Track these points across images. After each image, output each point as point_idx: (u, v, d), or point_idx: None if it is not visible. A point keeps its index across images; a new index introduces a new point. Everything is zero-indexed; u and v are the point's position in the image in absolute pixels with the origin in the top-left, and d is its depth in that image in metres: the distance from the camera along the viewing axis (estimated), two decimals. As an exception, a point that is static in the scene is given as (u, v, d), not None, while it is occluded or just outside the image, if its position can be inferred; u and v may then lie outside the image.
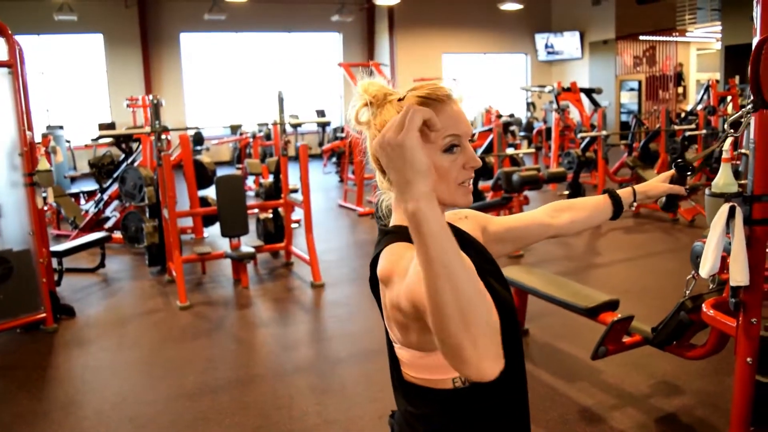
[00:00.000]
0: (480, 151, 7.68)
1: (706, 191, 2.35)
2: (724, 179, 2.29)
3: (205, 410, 3.29)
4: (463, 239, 1.24)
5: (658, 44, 16.14)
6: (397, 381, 1.24)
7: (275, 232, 6.33)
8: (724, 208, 2.15)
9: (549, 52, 17.49)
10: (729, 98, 11.61)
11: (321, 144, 14.45)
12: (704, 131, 9.03)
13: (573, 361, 3.86)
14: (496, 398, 1.20)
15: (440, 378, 1.15)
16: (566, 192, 8.46)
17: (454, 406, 1.17)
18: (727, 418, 3.03)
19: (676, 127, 8.93)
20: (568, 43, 16.99)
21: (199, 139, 12.25)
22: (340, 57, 16.35)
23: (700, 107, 11.40)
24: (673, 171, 1.61)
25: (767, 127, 2.12)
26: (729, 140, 2.45)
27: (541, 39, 17.50)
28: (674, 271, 5.59)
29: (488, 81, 17.19)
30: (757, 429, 2.43)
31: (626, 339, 3.26)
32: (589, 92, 10.72)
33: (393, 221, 1.22)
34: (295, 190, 6.39)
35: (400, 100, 1.18)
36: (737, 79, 11.86)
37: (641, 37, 15.77)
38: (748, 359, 2.28)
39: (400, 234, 1.14)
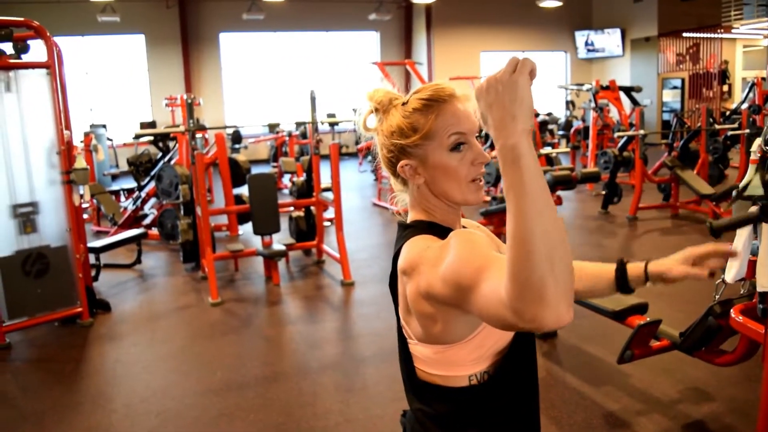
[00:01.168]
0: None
1: (733, 193, 2.29)
2: (752, 180, 2.23)
3: (230, 406, 3.35)
4: None
5: (702, 41, 15.69)
6: (408, 380, 1.25)
7: (307, 230, 6.38)
8: (753, 211, 2.09)
9: (589, 50, 17.19)
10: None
11: (357, 142, 14.51)
12: (747, 131, 8.77)
13: (600, 364, 3.80)
14: (510, 395, 1.21)
15: (456, 375, 1.16)
16: (603, 192, 8.30)
17: (469, 404, 1.18)
18: (756, 426, 2.95)
19: (718, 127, 8.68)
20: (609, 40, 16.67)
21: (237, 137, 12.44)
22: (378, 56, 16.37)
23: (744, 106, 11.07)
24: (695, 251, 1.33)
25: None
26: (758, 142, 2.38)
27: (581, 36, 17.21)
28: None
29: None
30: (785, 440, 2.35)
31: (654, 343, 3.20)
32: (628, 90, 10.51)
33: (411, 217, 1.24)
34: (327, 189, 6.42)
35: (404, 104, 1.20)
36: (785, 76, 11.48)
37: (684, 34, 15.35)
38: (776, 367, 2.21)
39: (420, 227, 1.18)
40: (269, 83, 16.25)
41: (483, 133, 1.11)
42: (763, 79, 11.79)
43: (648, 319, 3.15)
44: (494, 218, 6.89)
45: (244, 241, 6.92)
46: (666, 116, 16.20)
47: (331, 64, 16.63)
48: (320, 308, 5.04)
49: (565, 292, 0.81)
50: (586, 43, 17.18)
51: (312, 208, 6.31)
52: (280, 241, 5.87)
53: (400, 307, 1.20)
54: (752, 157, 2.24)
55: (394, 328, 4.34)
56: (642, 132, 7.94)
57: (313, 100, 5.83)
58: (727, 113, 12.53)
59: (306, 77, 16.14)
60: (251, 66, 16.22)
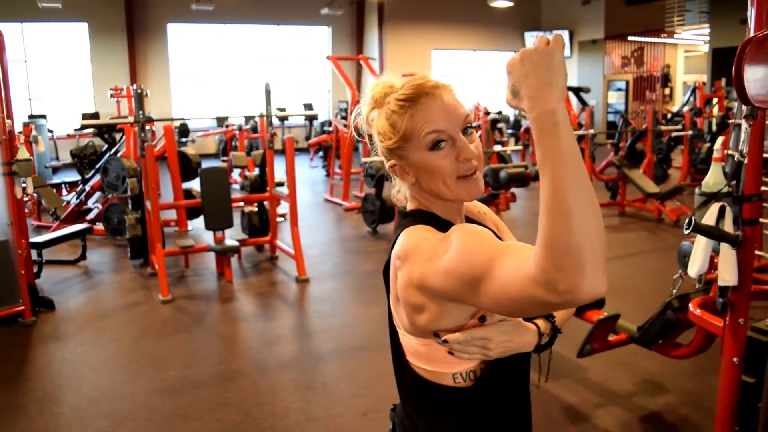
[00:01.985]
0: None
1: (696, 191, 2.33)
2: (714, 179, 2.27)
3: (185, 406, 3.23)
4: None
5: (646, 45, 16.19)
6: (398, 372, 1.22)
7: (260, 225, 6.26)
8: (714, 208, 2.13)
9: (538, 51, 17.49)
10: (715, 100, 11.69)
11: (308, 138, 14.37)
12: (690, 132, 9.07)
13: (558, 359, 3.83)
14: (498, 397, 1.17)
15: (441, 371, 1.13)
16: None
17: (455, 403, 1.14)
18: (712, 418, 3.02)
19: (663, 128, 8.95)
20: (557, 41, 17.00)
21: (184, 130, 12.12)
22: (329, 51, 16.25)
23: (686, 108, 11.46)
24: None
25: (759, 130, 2.09)
26: (720, 140, 2.43)
27: (530, 37, 17.49)
28: (660, 270, 5.59)
29: (477, 78, 17.17)
30: (741, 429, 2.41)
31: (612, 337, 3.24)
32: (577, 91, 10.72)
33: (412, 206, 1.20)
34: (280, 184, 6.32)
35: (389, 103, 1.15)
36: (723, 81, 11.94)
37: (630, 38, 15.81)
38: (735, 359, 2.26)
39: (420, 217, 1.15)
40: (218, 77, 15.92)
41: (475, 124, 1.07)
42: (704, 83, 12.25)
43: (606, 314, 3.19)
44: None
45: (193, 236, 6.73)
46: (611, 117, 16.65)
47: (282, 58, 16.42)
48: (275, 305, 4.94)
49: (602, 259, 0.80)
50: (535, 44, 17.48)
51: (265, 203, 6.19)
52: (232, 236, 5.73)
53: (391, 295, 1.16)
54: (715, 155, 2.28)
55: (350, 325, 4.34)
56: (592, 131, 8.10)
57: (267, 93, 5.71)
58: (669, 116, 12.98)
59: (256, 71, 15.88)
60: (200, 59, 15.86)
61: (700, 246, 2.15)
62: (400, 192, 1.24)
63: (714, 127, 10.36)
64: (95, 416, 3.15)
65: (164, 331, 4.33)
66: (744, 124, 1.98)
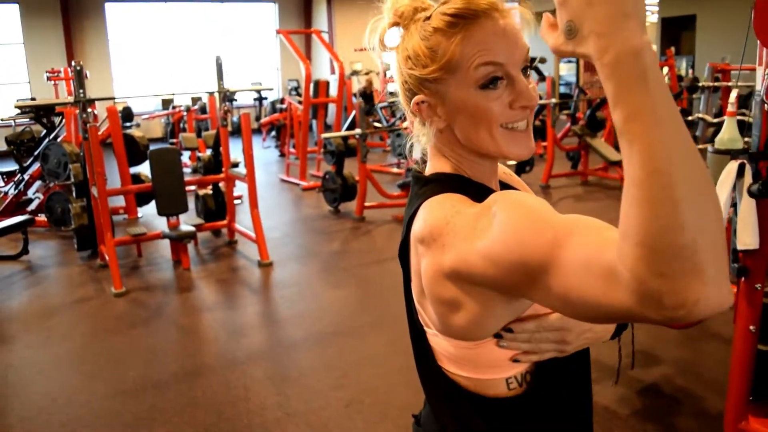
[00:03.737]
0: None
1: (709, 148, 2.15)
2: (729, 134, 2.09)
3: (149, 409, 2.94)
4: None
5: (595, 15, 16.23)
6: (427, 379, 0.96)
7: (216, 209, 5.92)
8: (732, 166, 1.95)
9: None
10: (666, 69, 11.76)
11: (258, 118, 13.90)
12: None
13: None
14: (557, 399, 0.93)
15: (490, 378, 0.88)
16: (515, 161, 8.30)
17: (510, 415, 0.90)
18: (709, 387, 2.91)
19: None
20: (507, 13, 16.87)
21: (128, 114, 11.55)
22: (276, 27, 15.72)
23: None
24: None
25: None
26: (734, 94, 2.26)
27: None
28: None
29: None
30: (755, 399, 2.28)
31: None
32: (532, 62, 10.61)
33: (432, 169, 0.94)
34: (236, 164, 5.98)
35: (426, 19, 0.87)
36: (673, 49, 12.02)
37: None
38: (751, 327, 2.11)
39: (444, 183, 0.88)
40: (162, 58, 15.24)
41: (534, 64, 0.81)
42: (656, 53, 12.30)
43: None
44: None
45: (144, 224, 6.34)
46: (563, 89, 16.63)
47: (228, 37, 15.81)
48: (238, 292, 4.65)
49: (725, 260, 0.56)
50: (487, 17, 17.31)
51: (221, 185, 5.85)
52: (186, 222, 5.39)
53: (413, 285, 0.90)
54: (729, 109, 2.10)
55: (320, 310, 4.05)
56: (554, 101, 7.98)
57: (219, 67, 5.35)
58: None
59: (201, 51, 15.25)
60: (142, 39, 15.13)
61: (749, 212, 1.92)
62: (415, 146, 0.97)
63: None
64: (48, 426, 2.82)
65: (120, 327, 4.00)
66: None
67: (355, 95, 10.92)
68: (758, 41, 1.86)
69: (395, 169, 9.33)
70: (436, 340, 0.90)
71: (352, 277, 4.83)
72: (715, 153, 2.06)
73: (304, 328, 3.84)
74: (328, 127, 10.68)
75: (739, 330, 2.16)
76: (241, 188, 6.41)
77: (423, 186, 0.91)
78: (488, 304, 0.79)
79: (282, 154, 11.11)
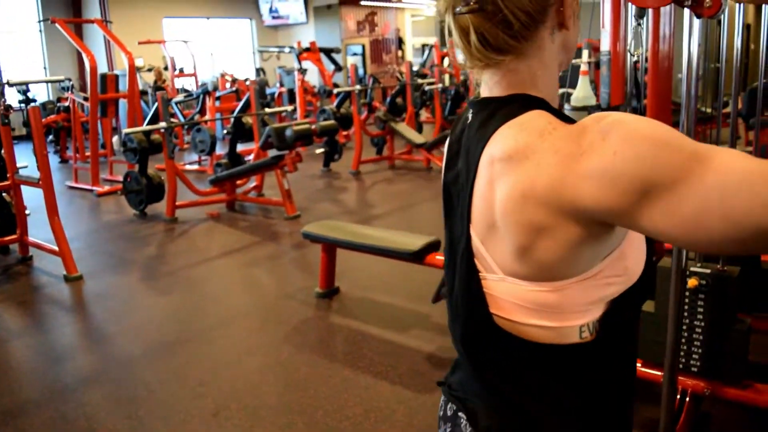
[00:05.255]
0: (235, 113, 7.10)
1: (566, 105, 2.26)
2: (583, 92, 2.21)
3: (-36, 462, 2.39)
4: None
5: (378, 9, 16.83)
6: (476, 336, 0.86)
7: (2, 222, 5.06)
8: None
9: (274, 17, 17.13)
10: (448, 58, 12.60)
11: (26, 123, 12.28)
12: (440, 85, 9.61)
13: (397, 311, 3.68)
14: (622, 347, 0.86)
15: (564, 326, 0.79)
16: (323, 150, 8.25)
17: (582, 365, 0.81)
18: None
19: (420, 81, 9.34)
20: (292, 7, 16.79)
21: None
22: (39, 16, 14.01)
23: (426, 67, 12.19)
24: None
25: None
26: (585, 53, 2.39)
27: (265, 3, 17.02)
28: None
29: (215, 46, 16.29)
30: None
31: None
32: (328, 52, 10.69)
33: (508, 90, 0.82)
34: (22, 168, 5.17)
35: None
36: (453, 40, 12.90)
37: (363, 2, 16.25)
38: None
39: (535, 102, 0.79)
40: None
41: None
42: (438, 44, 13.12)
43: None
44: (225, 184, 6.38)
45: None
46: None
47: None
48: (49, 312, 4.01)
49: None
50: (271, 10, 17.08)
51: (5, 193, 5.01)
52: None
53: (477, 220, 0.80)
54: (582, 68, 2.22)
55: (151, 319, 3.65)
56: (358, 88, 8.08)
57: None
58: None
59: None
60: None
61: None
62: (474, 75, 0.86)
63: (447, 82, 11.19)
64: None
65: None
66: (633, 23, 1.90)
67: (144, 92, 10.10)
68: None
69: (196, 167, 8.84)
70: (501, 286, 0.80)
71: (179, 280, 4.42)
72: (572, 110, 2.17)
73: (142, 341, 3.42)
74: (114, 129, 9.75)
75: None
76: (30, 196, 5.56)
77: (503, 106, 0.80)
78: (581, 235, 0.71)
79: (64, 160, 9.97)
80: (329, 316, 3.66)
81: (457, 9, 0.78)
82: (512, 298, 0.79)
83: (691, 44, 1.94)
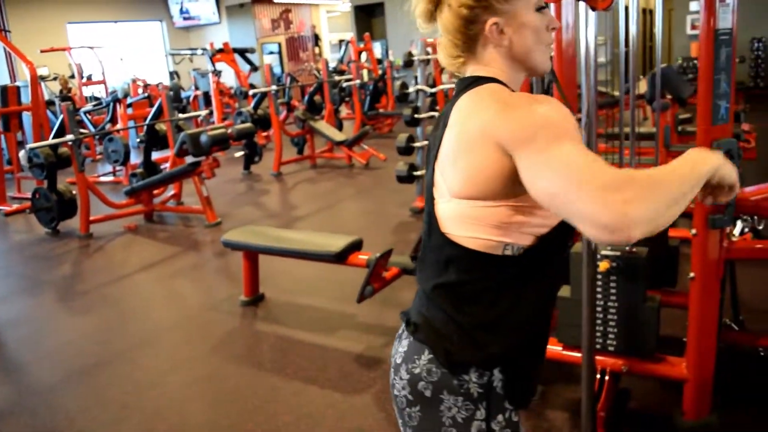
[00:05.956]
0: (147, 120, 6.88)
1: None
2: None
3: None
4: None
5: (292, 7, 16.65)
6: (432, 255, 1.13)
7: None
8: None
9: (185, 18, 16.67)
10: (365, 53, 12.61)
11: None
12: (358, 81, 9.61)
13: (322, 313, 3.68)
14: (546, 266, 1.13)
15: (493, 240, 1.05)
16: (243, 153, 8.12)
17: (507, 272, 1.07)
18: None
19: (338, 78, 9.31)
20: (203, 7, 16.38)
21: None
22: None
23: (344, 62, 12.16)
24: None
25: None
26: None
27: (175, 4, 16.53)
28: (371, 209, 5.82)
29: (125, 51, 15.72)
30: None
31: (385, 274, 3.18)
32: (242, 52, 10.51)
33: (474, 73, 1.14)
34: None
35: None
36: (369, 35, 12.95)
37: (276, 0, 16.05)
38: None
39: (499, 82, 1.09)
40: None
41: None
42: (354, 39, 13.11)
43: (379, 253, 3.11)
44: (142, 195, 6.18)
45: None
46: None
47: None
48: (-46, 345, 3.79)
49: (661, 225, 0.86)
50: (181, 11, 16.62)
51: None
52: None
53: (447, 150, 1.06)
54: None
55: (73, 341, 3.59)
56: (274, 88, 7.99)
57: None
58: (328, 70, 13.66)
59: None
60: None
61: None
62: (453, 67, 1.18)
63: (366, 77, 11.21)
64: None
65: None
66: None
67: (51, 102, 9.64)
68: None
69: (111, 178, 8.51)
70: (450, 205, 1.06)
71: (97, 299, 4.26)
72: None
73: (60, 367, 3.28)
74: (21, 143, 9.27)
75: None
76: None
77: (472, 81, 1.09)
78: (511, 167, 0.96)
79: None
80: (255, 324, 3.62)
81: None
82: (456, 214, 1.06)
83: (588, 34, 2.03)
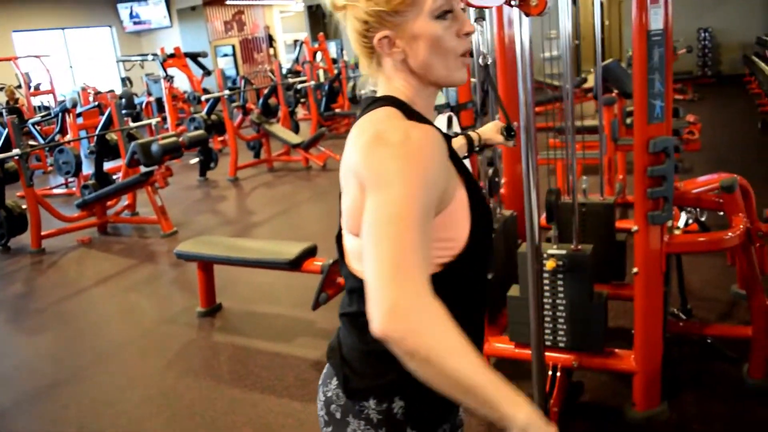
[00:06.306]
0: (98, 130, 6.73)
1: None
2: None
3: None
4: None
5: (245, 8, 16.49)
6: (344, 277, 1.12)
7: None
8: (442, 119, 2.14)
9: (136, 23, 16.35)
10: (320, 53, 12.56)
11: None
12: (313, 82, 9.57)
13: (281, 321, 3.67)
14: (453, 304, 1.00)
15: None
16: (198, 159, 8.02)
17: None
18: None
19: (291, 80, 9.26)
20: (154, 11, 16.10)
21: None
22: None
23: (298, 64, 12.10)
24: (499, 123, 1.64)
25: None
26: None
27: (124, 9, 16.21)
28: (329, 212, 5.81)
29: (74, 59, 15.36)
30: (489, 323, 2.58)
31: (339, 280, 3.18)
32: (194, 57, 10.35)
33: (382, 92, 1.08)
34: None
35: None
36: (323, 35, 12.90)
37: (228, 2, 15.86)
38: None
39: (395, 102, 1.03)
40: None
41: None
42: (309, 39, 13.04)
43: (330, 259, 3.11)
44: (94, 207, 6.06)
45: None
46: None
47: None
48: None
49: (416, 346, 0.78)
50: (132, 16, 16.30)
51: None
52: None
53: (351, 191, 0.99)
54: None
55: (26, 362, 3.53)
56: (227, 92, 7.91)
57: None
58: (283, 72, 13.56)
59: None
60: None
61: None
62: (367, 86, 1.14)
63: (322, 77, 11.17)
64: None
65: None
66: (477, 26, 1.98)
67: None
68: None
69: (64, 190, 8.32)
70: (346, 238, 1.06)
71: (51, 317, 4.17)
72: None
73: (13, 389, 3.20)
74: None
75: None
76: None
77: (374, 104, 1.03)
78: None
79: None
80: (212, 335, 3.59)
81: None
82: (353, 248, 1.03)
83: (522, 37, 2.06)
